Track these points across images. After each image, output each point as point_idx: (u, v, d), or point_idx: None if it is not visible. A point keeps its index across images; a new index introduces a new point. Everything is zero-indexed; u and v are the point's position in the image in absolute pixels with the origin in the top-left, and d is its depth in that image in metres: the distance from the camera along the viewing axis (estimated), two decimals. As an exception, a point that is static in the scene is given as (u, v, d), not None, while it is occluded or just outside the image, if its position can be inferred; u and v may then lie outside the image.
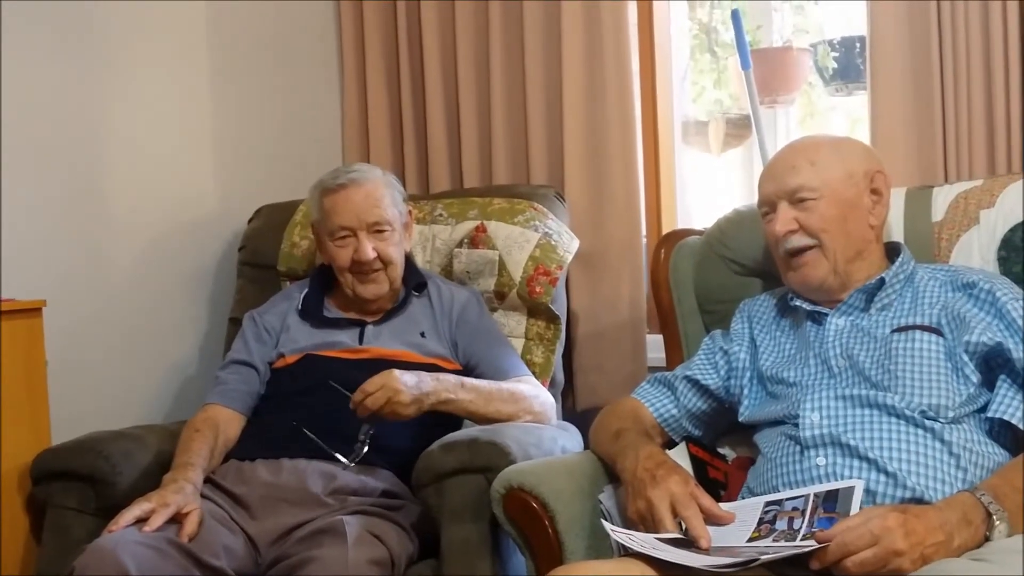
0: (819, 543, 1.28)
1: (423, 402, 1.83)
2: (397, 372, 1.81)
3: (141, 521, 1.66)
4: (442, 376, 1.89)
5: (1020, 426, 1.46)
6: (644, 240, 2.47)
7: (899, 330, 1.57)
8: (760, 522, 1.40)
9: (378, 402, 1.79)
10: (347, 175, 2.07)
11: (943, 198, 1.83)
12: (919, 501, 1.38)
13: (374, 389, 1.79)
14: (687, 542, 1.38)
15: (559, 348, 2.26)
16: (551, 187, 2.42)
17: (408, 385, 1.81)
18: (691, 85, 2.81)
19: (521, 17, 2.50)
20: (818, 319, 1.66)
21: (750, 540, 1.38)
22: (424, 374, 1.86)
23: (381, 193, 2.06)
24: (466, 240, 2.26)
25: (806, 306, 1.67)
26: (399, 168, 2.71)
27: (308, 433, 1.86)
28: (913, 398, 1.48)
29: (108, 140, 2.32)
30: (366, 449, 1.84)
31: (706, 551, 1.36)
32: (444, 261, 2.29)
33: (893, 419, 1.47)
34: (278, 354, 2.07)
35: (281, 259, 2.39)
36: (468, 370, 2.03)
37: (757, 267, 1.91)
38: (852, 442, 1.46)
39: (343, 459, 1.83)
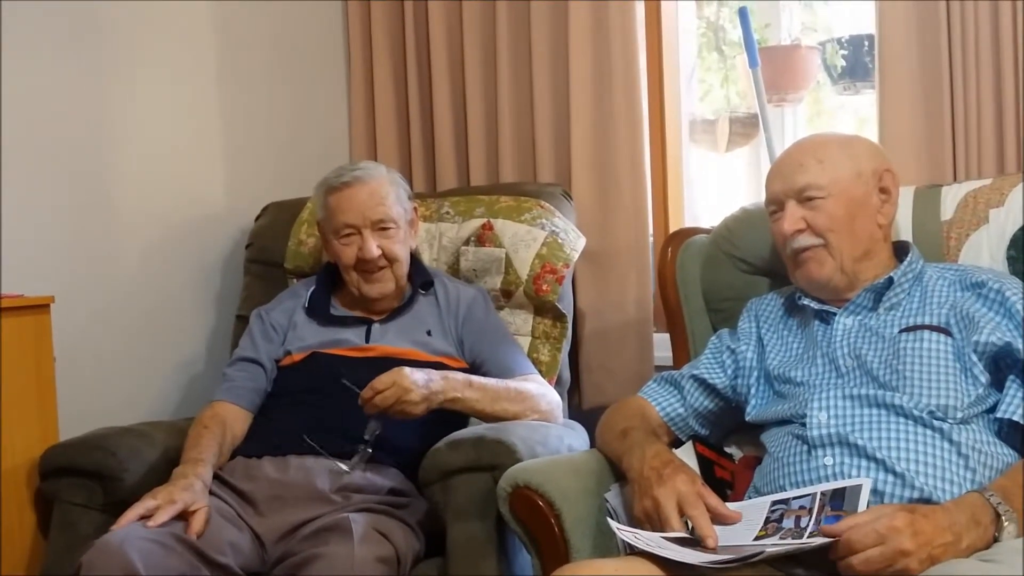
0: (826, 537, 1.27)
1: (432, 401, 1.83)
2: (407, 370, 1.81)
3: (146, 517, 1.66)
4: (450, 374, 1.89)
5: (1029, 426, 1.46)
6: (651, 239, 2.47)
7: (907, 330, 1.56)
8: (767, 521, 1.40)
9: (388, 400, 1.79)
10: (351, 173, 2.07)
11: (952, 197, 1.82)
12: (927, 501, 1.38)
13: (384, 387, 1.79)
14: (693, 541, 1.38)
15: (565, 346, 2.25)
16: (558, 185, 2.42)
17: (418, 384, 1.80)
18: (698, 83, 2.81)
19: (528, 15, 2.50)
20: (826, 318, 1.65)
21: (757, 539, 1.37)
22: (433, 372, 1.86)
23: (385, 191, 2.06)
24: (473, 238, 2.26)
25: (814, 305, 1.66)
26: (406, 166, 2.71)
27: (309, 441, 1.86)
28: (921, 398, 1.48)
29: (116, 138, 2.32)
30: (369, 452, 1.83)
31: (713, 550, 1.35)
32: (451, 259, 2.29)
33: (901, 419, 1.47)
34: (285, 352, 2.07)
35: (288, 257, 2.39)
36: (474, 368, 2.03)
37: (764, 266, 1.91)
38: (860, 442, 1.45)
39: (342, 466, 1.83)
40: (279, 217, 2.47)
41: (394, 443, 1.88)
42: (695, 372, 1.76)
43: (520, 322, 2.24)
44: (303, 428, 1.89)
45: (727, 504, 1.45)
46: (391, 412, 1.80)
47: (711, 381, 1.74)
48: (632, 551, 1.40)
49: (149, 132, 2.39)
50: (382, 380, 1.79)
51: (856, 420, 1.49)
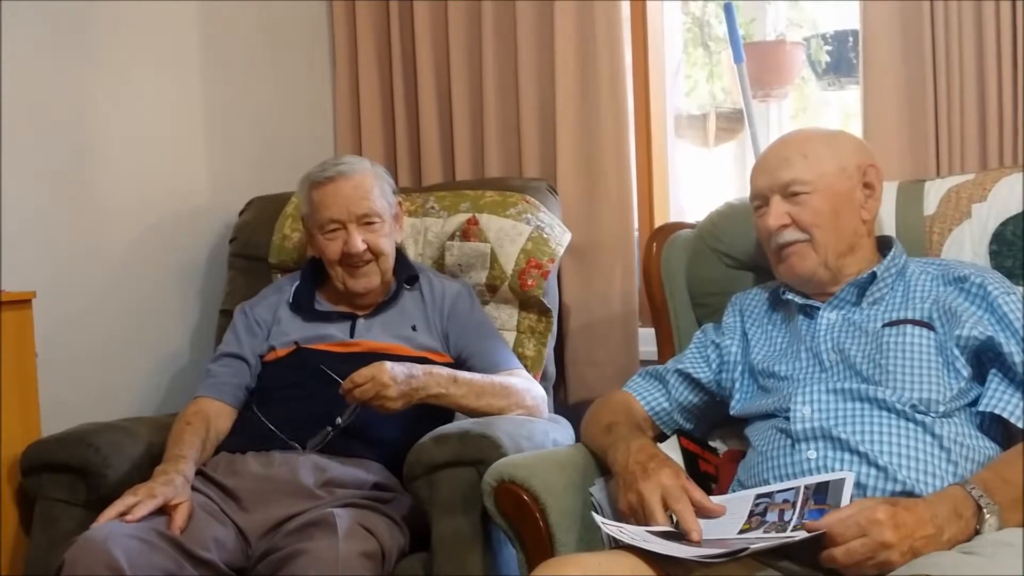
0: (809, 533, 1.28)
1: (412, 397, 1.83)
2: (388, 365, 1.81)
3: (126, 514, 1.65)
4: (435, 370, 1.89)
5: (1011, 420, 1.46)
6: (636, 233, 2.47)
7: (890, 324, 1.57)
8: (751, 514, 1.40)
9: (366, 394, 1.79)
10: (335, 167, 2.06)
11: (935, 192, 1.83)
12: (910, 494, 1.39)
13: (363, 381, 1.79)
14: (678, 535, 1.38)
15: (551, 341, 2.25)
16: (543, 180, 2.42)
17: (398, 380, 1.80)
18: (684, 79, 2.81)
19: (514, 9, 2.50)
20: (810, 313, 1.66)
21: (741, 532, 1.38)
22: (416, 367, 1.86)
23: (370, 185, 2.06)
24: (458, 233, 2.26)
25: (798, 299, 1.67)
26: (391, 161, 2.71)
27: (265, 421, 1.86)
28: (904, 392, 1.49)
29: (100, 133, 2.31)
30: (329, 433, 1.83)
31: (697, 544, 1.36)
32: (436, 254, 2.28)
33: (884, 413, 1.47)
34: (269, 347, 2.06)
35: (272, 251, 2.39)
36: (459, 363, 2.03)
37: (749, 260, 1.91)
38: (843, 436, 1.46)
39: (297, 445, 1.83)
40: (263, 211, 2.46)
41: (379, 438, 1.88)
42: (680, 366, 1.76)
43: (505, 317, 2.24)
44: (287, 423, 1.89)
45: (711, 498, 1.46)
46: (370, 405, 1.80)
47: (696, 375, 1.74)
48: (617, 545, 1.41)
49: (134, 127, 2.38)
50: (362, 374, 1.79)
51: (839, 414, 1.49)
